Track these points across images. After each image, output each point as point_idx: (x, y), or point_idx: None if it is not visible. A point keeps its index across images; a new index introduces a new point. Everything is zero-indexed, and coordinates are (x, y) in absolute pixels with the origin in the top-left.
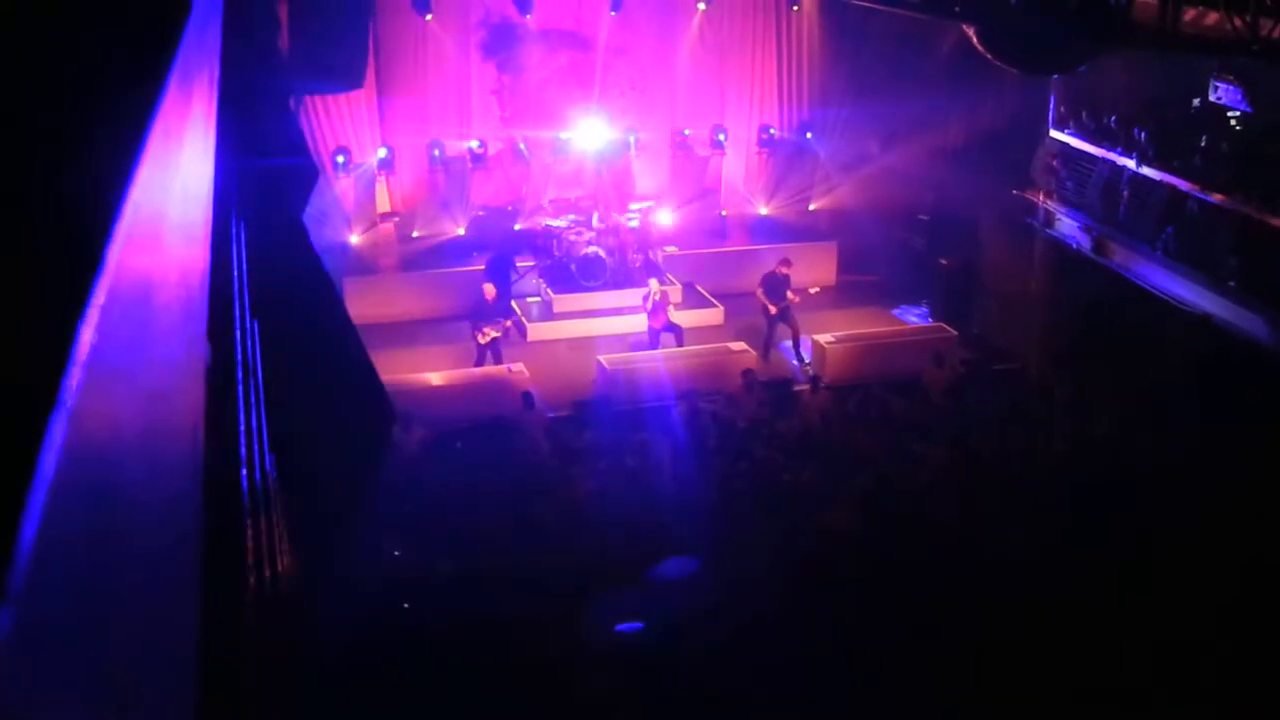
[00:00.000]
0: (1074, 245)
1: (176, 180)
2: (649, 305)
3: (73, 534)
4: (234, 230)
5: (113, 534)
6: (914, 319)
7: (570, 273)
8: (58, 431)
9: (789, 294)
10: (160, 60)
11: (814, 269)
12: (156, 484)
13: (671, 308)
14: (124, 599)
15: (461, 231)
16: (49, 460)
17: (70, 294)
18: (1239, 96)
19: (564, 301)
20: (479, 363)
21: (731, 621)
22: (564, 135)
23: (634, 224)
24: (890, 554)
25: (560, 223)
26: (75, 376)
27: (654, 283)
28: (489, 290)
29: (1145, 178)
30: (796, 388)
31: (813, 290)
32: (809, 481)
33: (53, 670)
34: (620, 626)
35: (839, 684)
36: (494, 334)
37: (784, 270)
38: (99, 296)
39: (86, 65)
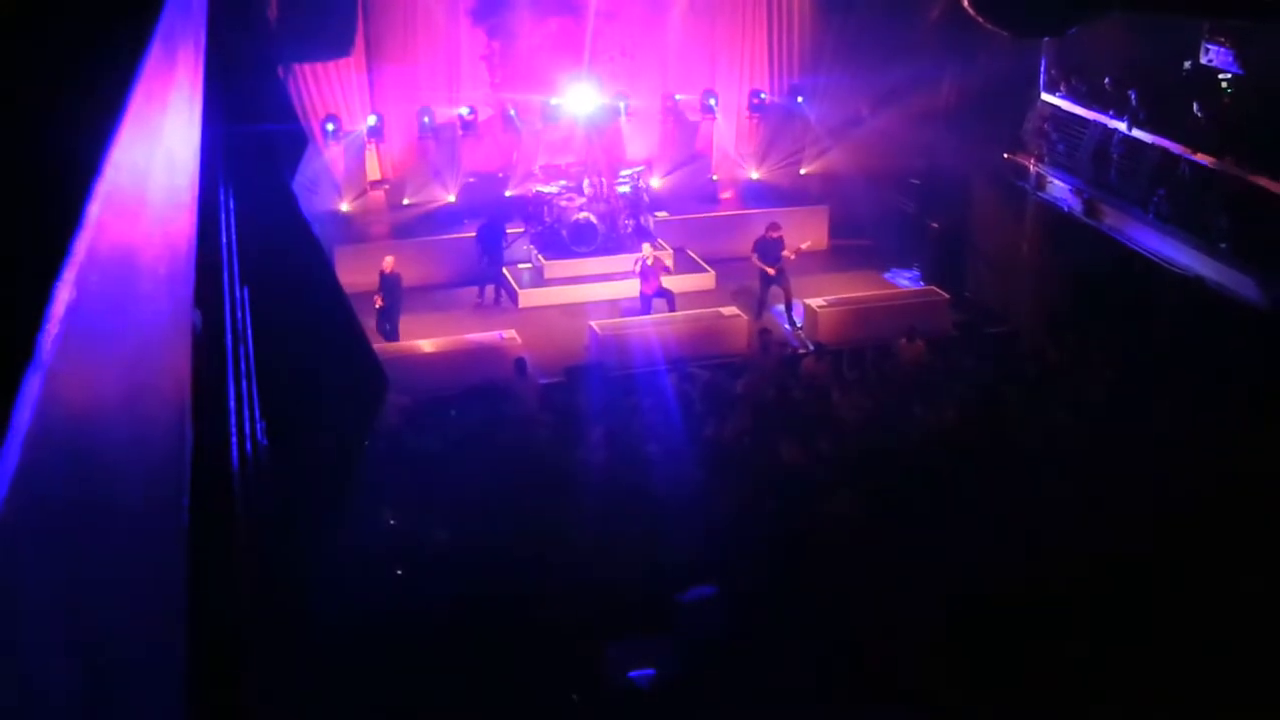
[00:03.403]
0: (1065, 208)
1: (160, 145)
2: (640, 270)
3: (53, 489)
4: (222, 198)
5: (95, 495)
6: (905, 282)
7: (561, 238)
8: (32, 387)
9: (784, 253)
10: (142, 25)
11: (805, 233)
12: (142, 448)
13: (664, 272)
14: (108, 564)
15: (452, 199)
16: (23, 415)
17: (47, 250)
18: (1230, 59)
19: (555, 267)
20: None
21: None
22: (554, 101)
23: (625, 189)
24: (880, 522)
25: (551, 189)
26: (51, 332)
27: (647, 247)
28: (387, 263)
29: (1136, 140)
30: (790, 351)
31: (804, 245)
32: (801, 449)
33: (33, 640)
34: (633, 673)
35: (834, 661)
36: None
37: (775, 234)
38: (78, 254)
39: (66, 29)
